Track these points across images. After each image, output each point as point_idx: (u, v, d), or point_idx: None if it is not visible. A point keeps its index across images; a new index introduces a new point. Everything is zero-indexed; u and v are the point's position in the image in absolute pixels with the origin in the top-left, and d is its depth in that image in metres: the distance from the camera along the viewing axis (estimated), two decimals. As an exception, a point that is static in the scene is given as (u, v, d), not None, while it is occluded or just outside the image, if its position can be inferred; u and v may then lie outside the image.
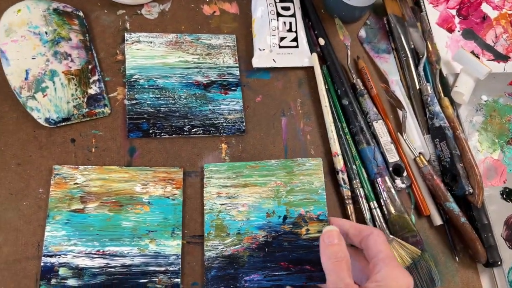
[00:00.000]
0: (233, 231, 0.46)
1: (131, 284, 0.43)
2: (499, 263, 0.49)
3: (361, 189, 0.50)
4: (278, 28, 0.55)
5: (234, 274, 0.44)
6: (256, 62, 0.53)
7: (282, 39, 0.54)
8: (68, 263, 0.42)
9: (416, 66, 0.57)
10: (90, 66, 0.49)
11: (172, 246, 0.44)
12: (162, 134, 0.49)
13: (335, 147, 0.51)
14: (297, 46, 0.55)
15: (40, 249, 0.43)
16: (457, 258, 0.50)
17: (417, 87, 0.56)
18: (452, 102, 0.56)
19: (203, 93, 0.51)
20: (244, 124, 0.51)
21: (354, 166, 0.51)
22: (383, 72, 0.57)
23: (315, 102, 0.54)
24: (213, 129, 0.50)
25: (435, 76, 0.57)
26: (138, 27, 0.53)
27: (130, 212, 0.45)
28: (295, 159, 0.50)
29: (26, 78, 0.46)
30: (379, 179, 0.50)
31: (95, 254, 0.43)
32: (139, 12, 0.54)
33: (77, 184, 0.45)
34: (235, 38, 0.55)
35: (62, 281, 0.42)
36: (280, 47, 0.54)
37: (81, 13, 0.51)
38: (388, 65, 0.58)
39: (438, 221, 0.50)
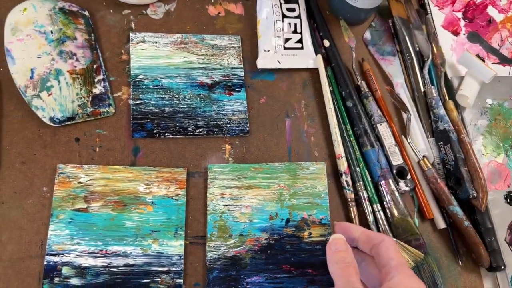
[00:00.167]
0: (235, 232, 0.46)
1: (134, 284, 0.43)
2: (503, 267, 0.49)
3: (364, 192, 0.50)
4: (283, 30, 0.55)
5: (236, 276, 0.44)
6: (261, 63, 0.53)
7: (287, 40, 0.54)
8: (71, 262, 0.42)
9: (421, 69, 0.57)
10: (95, 66, 0.49)
11: (175, 247, 0.44)
12: (166, 134, 0.49)
13: (339, 149, 0.51)
14: (302, 48, 0.55)
15: (44, 248, 0.43)
16: (460, 262, 0.50)
17: (422, 89, 0.56)
18: (456, 105, 0.56)
19: (207, 94, 0.51)
20: (248, 125, 0.51)
21: (357, 169, 0.51)
22: (388, 74, 0.57)
23: (319, 104, 0.54)
24: (217, 129, 0.50)
25: (440, 79, 0.57)
26: (143, 27, 0.53)
27: (133, 212, 0.45)
28: (299, 162, 0.50)
29: (31, 77, 0.46)
30: (383, 181, 0.49)
31: (98, 253, 0.43)
32: (144, 12, 0.54)
33: (81, 183, 0.45)
34: (240, 39, 0.55)
35: (65, 280, 0.42)
36: (285, 48, 0.54)
37: (86, 13, 0.52)
38: (393, 67, 0.58)
39: (441, 224, 0.50)
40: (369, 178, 0.50)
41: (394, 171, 0.50)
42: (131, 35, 0.52)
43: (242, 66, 0.54)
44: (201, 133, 0.50)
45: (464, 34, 0.63)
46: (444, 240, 0.51)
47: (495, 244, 0.49)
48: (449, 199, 0.49)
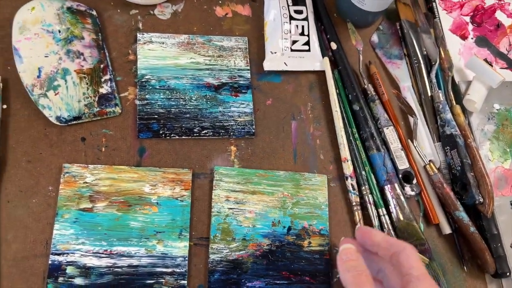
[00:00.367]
0: (238, 236, 0.46)
1: (138, 284, 0.43)
2: (508, 274, 0.49)
3: (370, 196, 0.49)
4: (290, 32, 0.54)
5: (237, 280, 0.44)
6: (268, 65, 0.53)
7: (294, 42, 0.54)
8: (75, 261, 0.42)
9: (428, 73, 0.57)
10: (102, 65, 0.49)
11: (179, 248, 0.44)
12: (172, 135, 0.49)
13: (345, 152, 0.50)
14: (309, 50, 0.55)
15: (48, 247, 0.43)
16: (465, 268, 0.50)
17: (429, 94, 0.56)
18: (463, 110, 0.55)
19: (213, 95, 0.51)
20: (253, 127, 0.51)
21: (363, 172, 0.50)
22: (395, 78, 0.57)
23: (325, 107, 0.54)
24: (222, 131, 0.50)
25: (447, 83, 0.57)
26: (151, 27, 0.53)
27: (138, 213, 0.45)
28: (302, 173, 0.50)
29: (38, 76, 0.46)
30: (388, 186, 0.49)
31: (102, 253, 0.43)
32: (151, 12, 0.54)
33: (86, 183, 0.45)
34: (247, 41, 0.55)
35: (69, 279, 0.42)
36: (292, 50, 0.54)
37: (94, 12, 0.52)
38: (400, 71, 0.58)
39: (447, 229, 0.50)
40: (374, 182, 0.50)
41: (400, 176, 0.50)
42: (138, 35, 0.52)
43: (248, 67, 0.54)
44: (207, 135, 0.49)
45: (472, 38, 0.63)
46: (449, 245, 0.51)
47: (501, 250, 0.49)
48: (455, 205, 0.49)
